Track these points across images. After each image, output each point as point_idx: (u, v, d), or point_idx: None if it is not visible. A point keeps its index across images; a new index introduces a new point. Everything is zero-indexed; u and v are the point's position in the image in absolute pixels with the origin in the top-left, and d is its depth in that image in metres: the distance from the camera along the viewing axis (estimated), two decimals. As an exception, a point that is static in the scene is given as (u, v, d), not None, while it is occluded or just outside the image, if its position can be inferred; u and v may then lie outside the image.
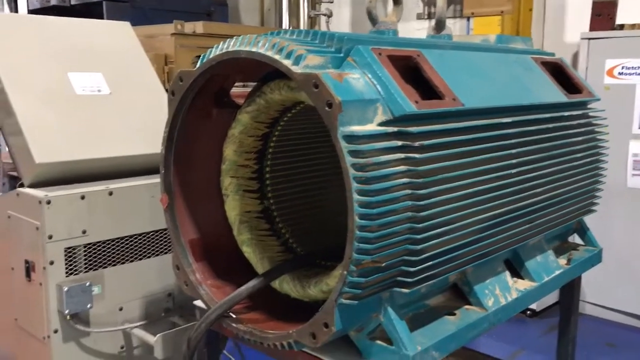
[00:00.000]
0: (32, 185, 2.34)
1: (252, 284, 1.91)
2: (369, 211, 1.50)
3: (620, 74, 4.98)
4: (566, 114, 2.32)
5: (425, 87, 1.78)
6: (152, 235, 2.51)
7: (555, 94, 2.33)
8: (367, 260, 1.53)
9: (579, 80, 2.56)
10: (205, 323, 1.91)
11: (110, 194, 2.36)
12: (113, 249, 2.39)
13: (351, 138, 1.50)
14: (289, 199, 2.26)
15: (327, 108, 1.50)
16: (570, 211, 2.40)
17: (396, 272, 1.64)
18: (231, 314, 1.93)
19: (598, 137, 2.52)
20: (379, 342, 1.72)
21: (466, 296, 2.01)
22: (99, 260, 2.36)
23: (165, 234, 2.56)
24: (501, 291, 2.07)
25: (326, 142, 2.39)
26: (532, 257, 2.29)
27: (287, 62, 1.61)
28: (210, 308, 1.97)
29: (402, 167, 1.58)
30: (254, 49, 1.70)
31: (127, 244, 2.43)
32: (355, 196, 1.49)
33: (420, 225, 1.61)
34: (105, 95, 2.63)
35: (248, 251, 2.06)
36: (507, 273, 2.15)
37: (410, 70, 1.81)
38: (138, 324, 2.44)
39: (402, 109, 1.60)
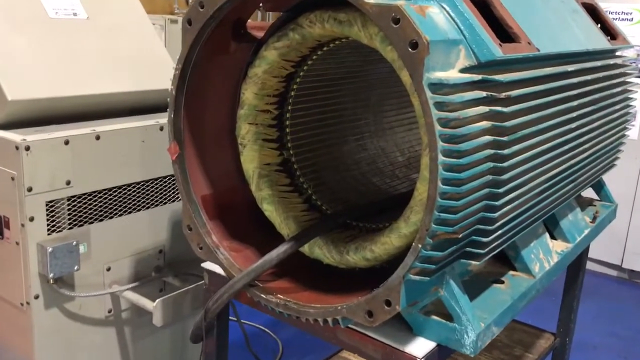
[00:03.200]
0: (0, 127, 1.96)
1: (282, 248, 1.66)
2: (455, 176, 1.26)
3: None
4: (611, 62, 2.13)
5: (493, 27, 1.53)
6: (143, 185, 2.19)
7: (600, 40, 2.13)
8: (445, 232, 1.31)
9: (613, 25, 2.37)
10: (228, 293, 1.67)
11: (98, 138, 2.01)
12: (100, 201, 2.07)
13: (438, 87, 1.25)
14: (310, 149, 1.99)
15: (410, 49, 1.23)
16: (602, 166, 2.26)
17: (467, 242, 1.43)
18: (257, 282, 1.69)
19: (628, 87, 2.36)
20: (435, 317, 1.53)
21: (511, 261, 1.84)
22: (85, 215, 2.03)
23: (157, 184, 2.25)
24: (544, 255, 1.91)
25: (350, 87, 2.13)
26: (565, 216, 2.14)
27: (355, -10, 1.31)
28: (230, 275, 1.71)
29: (486, 123, 1.35)
30: (308, -29, 1.38)
31: (116, 195, 2.11)
32: (441, 157, 1.24)
33: (500, 190, 1.39)
34: (83, 20, 2.23)
35: (269, 210, 1.80)
36: (547, 235, 2.00)
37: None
38: (129, 286, 2.15)
39: (490, 54, 1.35)
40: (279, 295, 1.64)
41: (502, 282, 1.77)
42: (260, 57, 1.70)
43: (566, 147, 1.74)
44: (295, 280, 1.74)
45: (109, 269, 2.14)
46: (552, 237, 2.09)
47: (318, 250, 1.73)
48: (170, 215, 2.32)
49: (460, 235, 1.35)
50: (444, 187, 1.26)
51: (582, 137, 1.86)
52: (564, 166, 1.76)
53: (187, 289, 2.10)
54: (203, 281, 2.01)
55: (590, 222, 2.33)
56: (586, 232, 2.21)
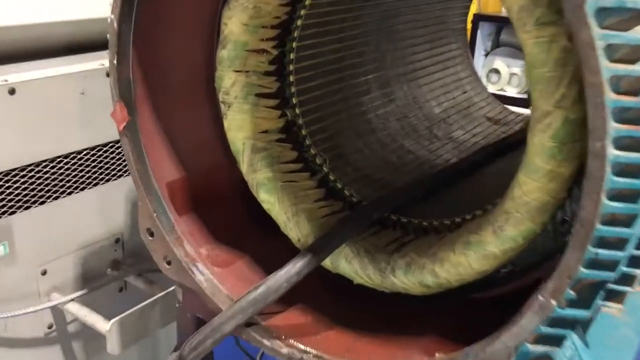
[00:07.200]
0: None
1: (295, 267, 1.09)
2: (630, 183, 0.68)
3: None
4: None
5: None
6: (86, 155, 1.57)
7: None
8: (599, 278, 0.74)
9: None
10: (213, 339, 1.10)
11: (12, 92, 1.37)
12: (24, 183, 1.45)
13: (609, 13, 0.64)
14: (323, 104, 1.39)
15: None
16: None
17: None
18: (256, 318, 1.12)
19: None
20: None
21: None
22: (2, 204, 1.42)
23: (107, 151, 1.63)
24: None
25: (372, 13, 1.50)
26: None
27: None
28: (214, 307, 1.14)
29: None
30: None
31: (46, 173, 1.49)
32: (612, 151, 0.66)
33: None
34: None
35: (270, 201, 1.21)
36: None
37: None
38: (74, 295, 1.57)
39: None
40: (291, 341, 1.08)
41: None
42: (250, -34, 1.07)
43: None
44: (311, 308, 1.18)
45: (44, 273, 1.55)
46: None
47: (345, 264, 1.16)
48: (129, 192, 1.72)
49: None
50: (612, 203, 0.68)
51: None
52: None
53: (154, 300, 1.53)
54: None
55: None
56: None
